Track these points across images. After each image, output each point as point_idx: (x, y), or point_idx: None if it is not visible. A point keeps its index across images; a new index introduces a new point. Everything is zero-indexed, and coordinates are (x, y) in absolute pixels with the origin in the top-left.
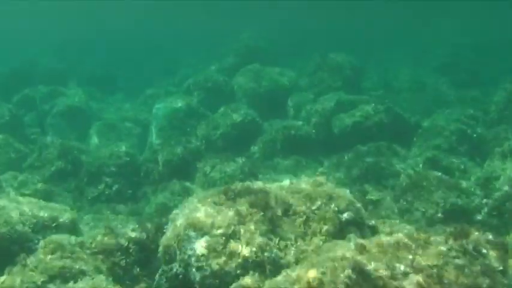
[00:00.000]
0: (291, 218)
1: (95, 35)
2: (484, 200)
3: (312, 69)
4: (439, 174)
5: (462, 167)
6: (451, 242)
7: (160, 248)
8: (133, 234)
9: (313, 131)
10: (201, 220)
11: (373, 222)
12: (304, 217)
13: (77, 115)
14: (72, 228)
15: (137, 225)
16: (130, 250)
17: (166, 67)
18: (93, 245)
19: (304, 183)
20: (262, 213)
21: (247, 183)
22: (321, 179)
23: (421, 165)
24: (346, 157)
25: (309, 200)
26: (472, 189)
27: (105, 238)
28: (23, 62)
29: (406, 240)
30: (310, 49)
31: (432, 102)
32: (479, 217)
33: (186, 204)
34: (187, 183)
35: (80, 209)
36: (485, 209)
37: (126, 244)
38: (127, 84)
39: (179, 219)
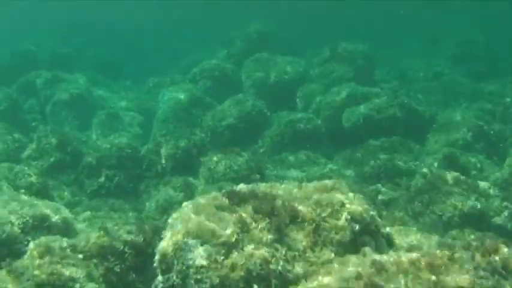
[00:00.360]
0: (300, 225)
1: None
2: (504, 203)
3: (323, 58)
4: (456, 174)
5: (479, 165)
6: (477, 259)
7: (157, 256)
8: (129, 237)
9: (323, 124)
10: (201, 227)
11: (388, 229)
12: (314, 225)
13: (78, 103)
14: (66, 228)
15: (134, 227)
16: (126, 254)
17: (173, 54)
18: (86, 249)
19: (315, 186)
20: (268, 220)
21: (253, 185)
22: (334, 182)
23: (436, 163)
24: (357, 153)
25: (319, 206)
26: (491, 191)
27: (99, 241)
28: (25, 48)
29: (428, 257)
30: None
31: (447, 93)
32: (498, 221)
33: (185, 208)
34: (191, 179)
35: (77, 203)
36: (505, 213)
37: (121, 248)
38: (133, 71)
39: (177, 224)
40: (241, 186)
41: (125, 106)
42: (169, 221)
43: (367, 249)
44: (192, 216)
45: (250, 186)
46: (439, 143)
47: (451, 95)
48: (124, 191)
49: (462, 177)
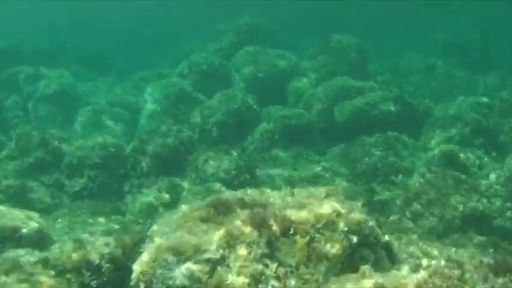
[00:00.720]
0: (292, 238)
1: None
2: (508, 204)
3: (315, 51)
4: (457, 173)
5: (478, 162)
6: (491, 280)
7: (134, 275)
8: (106, 250)
9: (315, 119)
10: (183, 242)
11: (387, 237)
12: (308, 237)
13: (62, 99)
14: (39, 239)
15: (112, 238)
16: (103, 269)
17: (162, 47)
18: (59, 263)
19: (308, 193)
20: (257, 233)
21: (241, 192)
22: (329, 188)
23: (433, 161)
24: (350, 149)
25: (313, 216)
26: (493, 190)
27: (74, 254)
28: (11, 42)
29: (435, 278)
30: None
31: (441, 86)
32: (501, 223)
33: (166, 219)
34: (177, 179)
35: (58, 206)
36: (509, 214)
37: (97, 261)
38: (121, 64)
39: (157, 238)
40: (229, 194)
41: (110, 101)
42: (149, 233)
43: (366, 268)
44: (174, 229)
45: (238, 193)
46: (436, 138)
47: (446, 88)
48: (108, 192)
49: (463, 177)
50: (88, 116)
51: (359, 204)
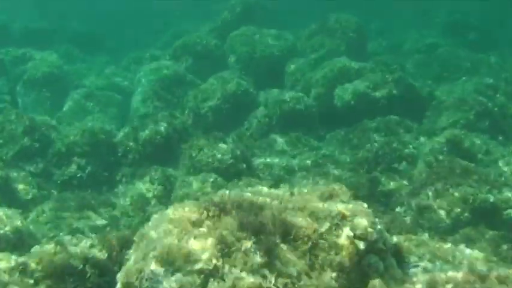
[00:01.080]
0: (293, 244)
1: None
2: None
3: (312, 31)
4: (465, 162)
5: (484, 147)
6: None
7: (119, 285)
8: (90, 253)
9: (314, 103)
10: (172, 250)
11: (395, 239)
12: (310, 244)
13: (50, 82)
14: (18, 240)
15: (96, 240)
16: (87, 274)
17: (155, 26)
18: (38, 267)
19: (309, 192)
20: (254, 239)
21: (237, 193)
22: (332, 187)
23: (438, 147)
24: (351, 135)
25: (315, 220)
26: (503, 180)
27: (55, 258)
28: None
29: None
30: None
31: (443, 66)
32: None
33: (154, 223)
34: (170, 169)
35: (44, 197)
36: None
37: (81, 266)
38: (113, 44)
39: (144, 245)
40: (223, 194)
41: (101, 84)
42: (135, 238)
43: (377, 283)
44: (162, 235)
45: (233, 193)
46: (440, 122)
47: (448, 68)
48: (98, 181)
49: (471, 165)
50: (77, 100)
51: (365, 205)
